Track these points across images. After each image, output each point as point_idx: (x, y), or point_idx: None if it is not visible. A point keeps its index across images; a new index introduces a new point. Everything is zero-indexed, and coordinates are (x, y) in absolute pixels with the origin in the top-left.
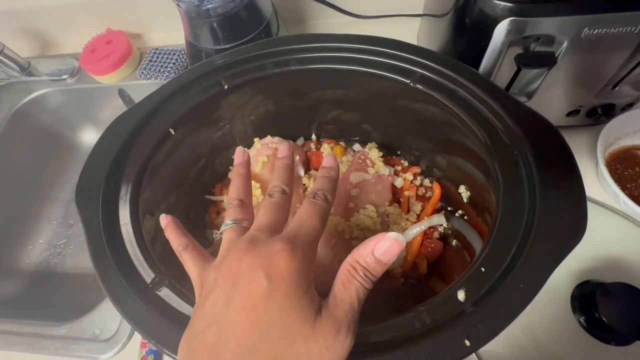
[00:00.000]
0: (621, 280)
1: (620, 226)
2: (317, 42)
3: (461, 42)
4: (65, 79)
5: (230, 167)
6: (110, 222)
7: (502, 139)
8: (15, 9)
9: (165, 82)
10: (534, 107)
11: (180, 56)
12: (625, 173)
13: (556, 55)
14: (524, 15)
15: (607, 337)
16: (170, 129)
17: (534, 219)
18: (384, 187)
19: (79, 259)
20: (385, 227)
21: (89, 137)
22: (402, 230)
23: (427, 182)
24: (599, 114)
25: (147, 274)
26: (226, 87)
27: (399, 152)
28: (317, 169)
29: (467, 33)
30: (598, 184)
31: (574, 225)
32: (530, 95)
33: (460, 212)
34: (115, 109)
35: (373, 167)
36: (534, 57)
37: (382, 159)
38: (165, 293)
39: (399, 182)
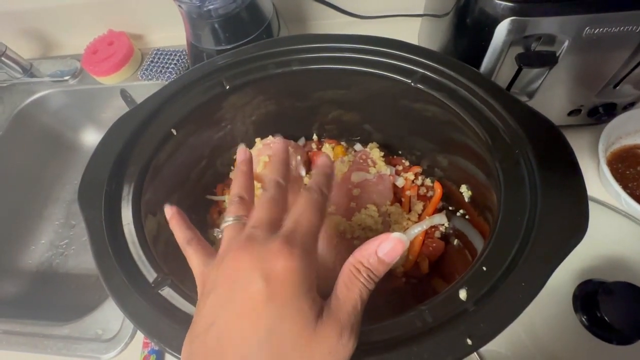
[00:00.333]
0: (623, 280)
1: (621, 225)
2: (319, 43)
3: (462, 41)
4: (67, 80)
5: (232, 168)
6: (113, 222)
7: (503, 138)
8: (17, 10)
9: (167, 82)
10: (535, 106)
11: (182, 57)
12: (627, 172)
13: (557, 54)
14: (525, 15)
15: (609, 336)
16: (172, 130)
17: (535, 218)
18: (385, 187)
19: (81, 259)
20: (387, 226)
21: (91, 137)
22: (404, 229)
23: (428, 181)
24: (600, 114)
25: (150, 274)
26: (228, 87)
27: (400, 152)
28: None
29: (468, 33)
30: (600, 183)
31: (575, 224)
32: (531, 95)
33: (461, 211)
34: (116, 110)
35: (374, 166)
36: (535, 57)
37: (383, 159)
38: (167, 292)
39: (400, 182)
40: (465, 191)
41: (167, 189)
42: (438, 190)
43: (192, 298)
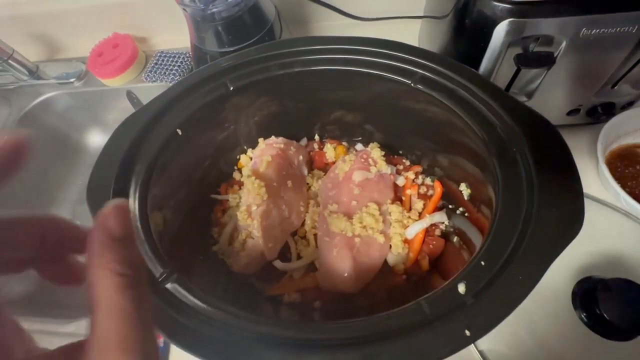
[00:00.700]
0: (622, 276)
1: (620, 223)
2: (320, 45)
3: (461, 43)
4: (72, 82)
5: (235, 168)
6: None
7: (501, 137)
8: (23, 14)
9: (172, 84)
10: (535, 106)
11: (185, 59)
12: (626, 171)
13: (555, 55)
14: (523, 16)
15: (608, 332)
16: (177, 130)
17: (532, 214)
18: (386, 186)
19: None
20: (388, 225)
21: (96, 139)
22: (405, 228)
23: (428, 180)
24: (599, 113)
25: (156, 269)
26: (231, 88)
27: (400, 152)
28: (320, 169)
29: (467, 34)
30: (599, 182)
31: (571, 219)
32: (530, 95)
33: (461, 209)
34: (121, 111)
35: (375, 166)
36: (533, 57)
37: (384, 158)
38: (173, 287)
39: (400, 181)
40: (464, 189)
41: (173, 187)
42: (438, 189)
43: (197, 292)
